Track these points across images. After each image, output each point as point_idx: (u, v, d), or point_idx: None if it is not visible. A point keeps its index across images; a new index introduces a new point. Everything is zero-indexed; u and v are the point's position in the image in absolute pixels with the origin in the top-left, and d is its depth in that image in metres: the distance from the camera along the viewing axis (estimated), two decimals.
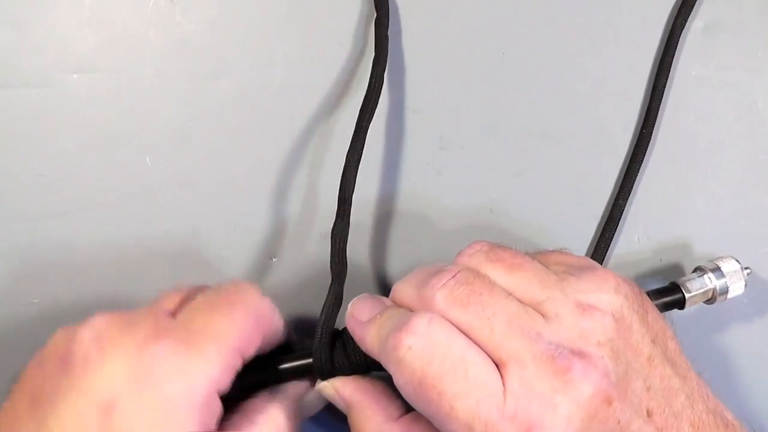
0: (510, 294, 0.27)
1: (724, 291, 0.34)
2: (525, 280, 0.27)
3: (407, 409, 0.29)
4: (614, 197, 0.37)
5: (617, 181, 0.38)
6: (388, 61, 0.35)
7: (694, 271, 0.35)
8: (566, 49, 0.38)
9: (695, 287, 0.34)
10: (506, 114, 0.37)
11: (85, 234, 0.34)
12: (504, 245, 0.29)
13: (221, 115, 0.35)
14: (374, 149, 0.36)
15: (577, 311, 0.26)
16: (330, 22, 0.36)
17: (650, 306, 0.28)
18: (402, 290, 0.28)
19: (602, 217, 0.38)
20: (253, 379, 0.29)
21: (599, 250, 0.36)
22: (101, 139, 0.34)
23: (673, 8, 0.39)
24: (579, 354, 0.25)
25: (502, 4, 0.38)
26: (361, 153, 0.32)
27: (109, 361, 0.25)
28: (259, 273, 0.35)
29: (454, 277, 0.26)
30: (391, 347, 0.25)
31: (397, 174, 0.36)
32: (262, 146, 0.35)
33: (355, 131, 0.32)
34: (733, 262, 0.34)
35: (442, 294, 0.26)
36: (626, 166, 0.38)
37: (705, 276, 0.34)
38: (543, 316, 0.26)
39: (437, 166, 0.37)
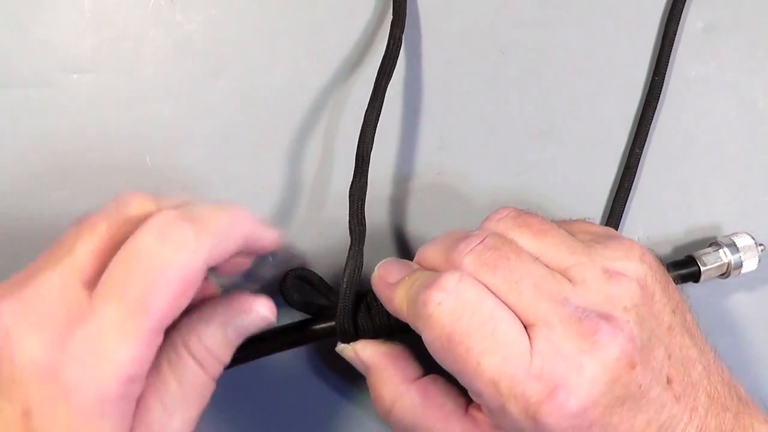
0: (537, 259, 0.27)
1: (738, 265, 0.35)
2: (552, 246, 0.27)
3: (425, 372, 0.30)
4: (612, 197, 0.38)
5: (617, 180, 0.38)
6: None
7: (710, 245, 0.36)
8: (566, 49, 0.38)
9: (711, 261, 0.35)
10: (506, 114, 0.37)
11: None
12: (530, 211, 0.29)
13: (221, 115, 0.35)
14: (375, 149, 0.36)
15: (604, 277, 0.26)
16: (331, 22, 0.36)
17: (669, 278, 0.29)
18: (429, 254, 0.29)
19: (602, 216, 0.38)
20: (277, 343, 0.30)
21: None
22: (101, 139, 0.34)
23: (666, 7, 0.39)
24: (606, 317, 0.25)
25: (502, 4, 0.38)
26: (380, 112, 0.32)
27: (19, 362, 0.23)
28: (259, 273, 0.35)
29: (482, 242, 0.27)
30: (421, 303, 0.25)
31: (397, 174, 0.36)
32: (262, 146, 0.35)
33: (374, 90, 0.33)
34: (748, 237, 0.36)
35: (470, 258, 0.26)
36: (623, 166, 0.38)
37: (720, 250, 0.35)
38: (570, 281, 0.26)
39: (437, 166, 0.37)
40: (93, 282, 0.24)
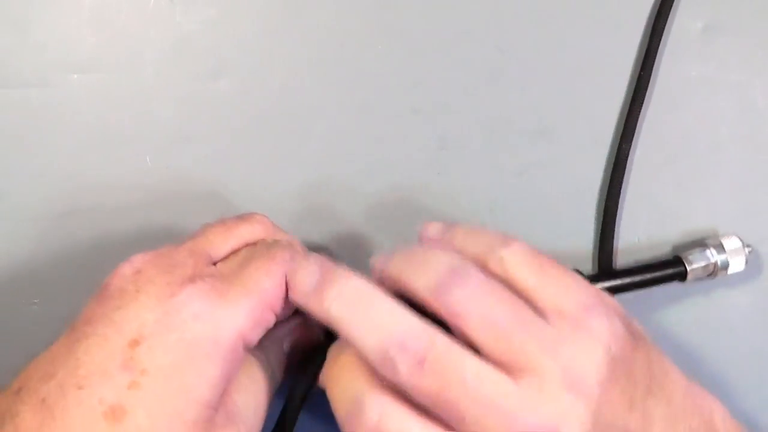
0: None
1: (725, 266, 0.36)
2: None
3: None
4: (604, 197, 0.38)
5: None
6: (388, 61, 0.35)
7: (697, 246, 0.36)
8: (566, 48, 0.38)
9: (697, 260, 0.36)
10: (506, 114, 0.37)
11: (85, 234, 0.34)
12: (492, 278, 0.26)
13: (221, 115, 0.35)
14: (374, 149, 0.36)
15: (563, 386, 0.24)
16: (331, 22, 0.36)
17: (637, 346, 0.26)
18: (420, 281, 0.26)
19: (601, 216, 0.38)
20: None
21: (604, 249, 0.37)
22: (101, 139, 0.34)
23: (653, 8, 0.39)
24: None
25: (501, 4, 0.38)
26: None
27: (143, 297, 0.25)
28: None
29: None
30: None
31: (397, 174, 0.36)
32: (261, 146, 0.35)
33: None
34: (735, 239, 0.36)
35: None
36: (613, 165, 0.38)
37: (707, 250, 0.36)
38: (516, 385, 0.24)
39: (437, 166, 0.37)
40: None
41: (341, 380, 0.26)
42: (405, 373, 0.23)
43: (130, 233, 0.34)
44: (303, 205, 0.36)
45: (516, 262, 0.26)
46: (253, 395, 0.26)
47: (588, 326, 0.25)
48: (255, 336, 0.26)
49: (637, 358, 0.26)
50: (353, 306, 0.25)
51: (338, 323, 0.25)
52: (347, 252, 0.36)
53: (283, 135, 0.36)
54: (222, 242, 0.29)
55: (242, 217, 0.30)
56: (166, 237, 0.34)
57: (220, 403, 0.25)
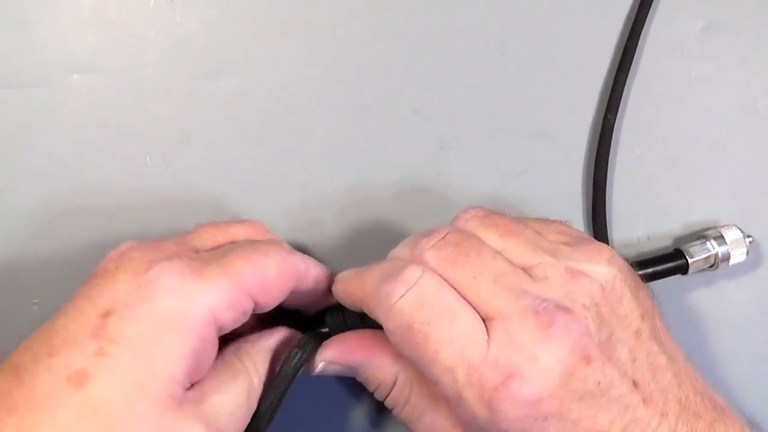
0: (499, 254, 0.27)
1: (726, 257, 0.36)
2: (517, 246, 0.28)
3: None
4: (591, 196, 0.38)
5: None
6: (388, 61, 0.35)
7: (698, 238, 0.37)
8: (566, 48, 0.38)
9: (698, 253, 0.36)
10: (506, 114, 0.37)
11: (85, 234, 0.34)
12: (500, 212, 0.30)
13: (221, 115, 0.35)
14: (374, 149, 0.36)
15: (566, 276, 0.26)
16: (331, 22, 0.36)
17: (642, 284, 0.29)
18: (396, 253, 0.29)
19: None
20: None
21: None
22: (101, 139, 0.34)
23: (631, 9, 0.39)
24: (563, 310, 0.25)
25: (502, 4, 0.38)
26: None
27: (120, 273, 0.26)
28: None
29: (443, 238, 0.27)
30: (385, 294, 0.26)
31: (397, 174, 0.36)
32: (261, 146, 0.35)
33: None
34: (736, 230, 0.36)
35: (431, 253, 0.27)
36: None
37: (708, 242, 0.36)
38: (532, 278, 0.27)
39: (437, 166, 0.37)
40: None
41: (373, 271, 0.28)
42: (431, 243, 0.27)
43: (130, 233, 0.34)
44: (302, 204, 0.36)
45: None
46: (229, 398, 0.26)
47: (590, 247, 0.28)
48: (229, 319, 0.26)
49: (640, 293, 0.28)
50: None
51: None
52: (347, 251, 0.36)
53: (283, 135, 0.36)
54: (210, 238, 0.29)
55: (235, 219, 0.31)
56: (165, 237, 0.34)
57: (188, 385, 0.25)
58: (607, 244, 0.37)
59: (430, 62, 0.37)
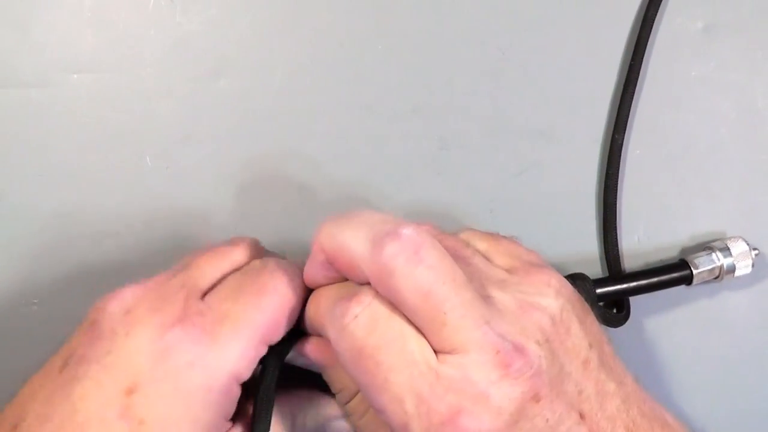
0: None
1: (731, 269, 0.36)
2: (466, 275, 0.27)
3: None
4: (602, 197, 0.38)
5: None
6: (388, 61, 0.35)
7: (704, 249, 0.36)
8: (566, 48, 0.38)
9: (703, 264, 0.36)
10: (506, 114, 0.37)
11: (85, 234, 0.34)
12: (449, 235, 0.29)
13: (221, 115, 0.35)
14: (374, 149, 0.36)
15: (518, 311, 0.26)
16: (331, 22, 0.36)
17: (589, 311, 0.29)
18: (350, 242, 0.27)
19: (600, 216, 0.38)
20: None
21: (609, 249, 0.37)
22: (101, 139, 0.34)
23: (640, 7, 0.39)
24: (520, 350, 0.25)
25: (502, 4, 0.38)
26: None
27: (134, 341, 0.25)
28: None
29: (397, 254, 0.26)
30: (339, 314, 0.25)
31: (397, 174, 0.36)
32: (262, 146, 0.35)
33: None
34: (742, 242, 0.36)
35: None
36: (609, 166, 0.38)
37: (713, 254, 0.36)
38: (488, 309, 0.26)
39: (437, 166, 0.37)
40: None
41: (328, 292, 0.27)
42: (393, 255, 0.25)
43: (130, 233, 0.34)
44: (302, 204, 0.36)
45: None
46: None
47: (539, 277, 0.28)
48: (249, 370, 0.26)
49: (587, 321, 0.28)
50: None
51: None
52: None
53: (283, 135, 0.36)
54: (213, 270, 0.29)
55: (232, 242, 0.30)
56: (165, 237, 0.34)
57: None
58: (617, 247, 0.37)
59: (430, 62, 0.37)
